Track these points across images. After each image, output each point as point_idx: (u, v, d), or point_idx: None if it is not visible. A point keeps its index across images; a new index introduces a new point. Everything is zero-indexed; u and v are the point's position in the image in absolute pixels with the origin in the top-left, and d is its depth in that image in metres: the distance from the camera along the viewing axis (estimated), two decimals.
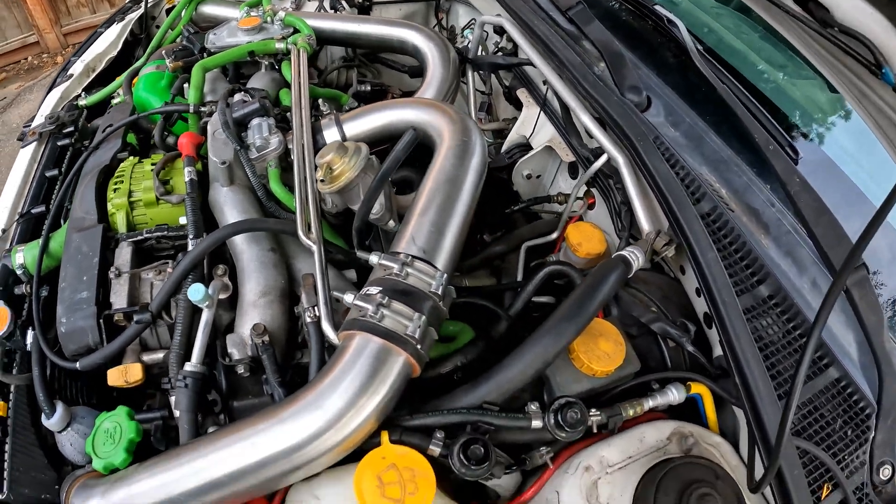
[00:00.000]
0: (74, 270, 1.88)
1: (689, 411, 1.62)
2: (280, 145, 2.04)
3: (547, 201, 2.29)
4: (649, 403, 1.55)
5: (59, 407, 1.71)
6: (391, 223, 1.87)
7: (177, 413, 1.62)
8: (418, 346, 1.39)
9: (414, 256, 1.53)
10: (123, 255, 1.92)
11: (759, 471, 1.33)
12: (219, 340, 1.73)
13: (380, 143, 2.07)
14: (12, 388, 1.86)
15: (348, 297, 1.48)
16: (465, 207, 1.69)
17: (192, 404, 1.58)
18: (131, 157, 2.21)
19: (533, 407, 1.47)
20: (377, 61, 3.23)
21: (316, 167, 1.84)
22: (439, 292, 1.50)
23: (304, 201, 1.80)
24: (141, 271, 1.90)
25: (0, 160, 6.37)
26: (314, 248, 1.67)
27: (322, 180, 1.78)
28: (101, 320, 1.78)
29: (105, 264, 1.89)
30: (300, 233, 1.71)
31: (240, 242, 1.86)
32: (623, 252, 1.65)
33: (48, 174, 2.51)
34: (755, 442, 1.38)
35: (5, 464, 1.71)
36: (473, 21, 3.01)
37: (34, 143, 2.66)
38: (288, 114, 2.21)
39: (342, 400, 1.32)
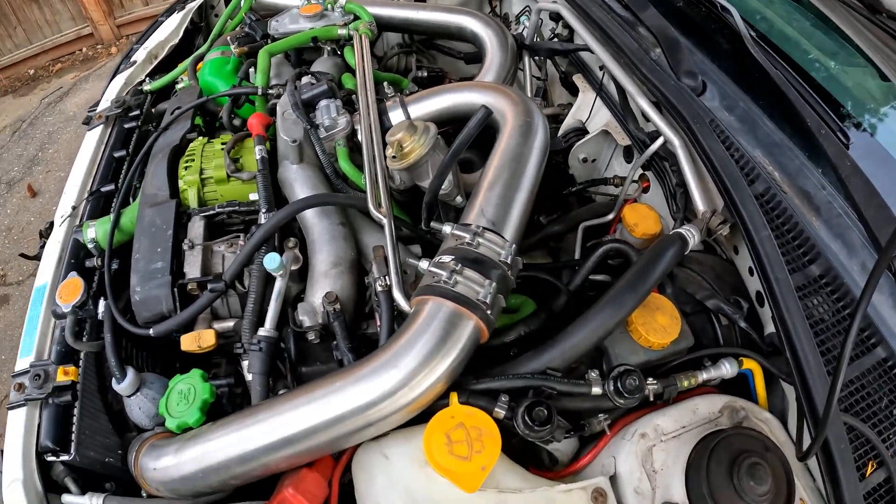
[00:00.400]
0: (148, 242, 1.95)
1: (738, 389, 1.66)
2: (347, 125, 2.10)
3: (603, 183, 2.33)
4: (703, 376, 1.59)
5: (130, 372, 1.78)
6: (459, 199, 1.93)
7: (248, 377, 1.70)
8: (488, 312, 1.45)
9: (485, 227, 1.58)
10: (196, 228, 1.99)
11: (806, 445, 1.37)
12: (290, 309, 1.80)
13: (442, 125, 2.11)
14: (82, 356, 1.93)
15: (423, 264, 1.54)
16: (530, 183, 1.75)
17: (266, 367, 1.66)
18: (200, 138, 2.28)
19: (593, 374, 1.52)
20: (433, 48, 3.27)
21: (385, 145, 1.90)
22: (508, 261, 1.55)
23: (373, 178, 1.86)
24: (213, 244, 1.97)
25: (59, 146, 6.56)
26: (385, 221, 1.73)
27: (394, 157, 1.84)
28: (176, 289, 1.84)
29: (178, 237, 1.96)
30: (371, 207, 1.78)
31: (310, 216, 1.93)
32: (680, 229, 1.70)
33: (116, 154, 2.59)
34: (804, 415, 1.41)
35: (73, 427, 1.78)
36: (528, 8, 3.06)
37: (101, 126, 2.75)
38: (353, 96, 2.27)
39: (416, 360, 1.37)
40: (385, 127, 2.07)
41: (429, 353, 1.38)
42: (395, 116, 2.12)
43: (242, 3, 3.16)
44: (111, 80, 3.13)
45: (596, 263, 1.85)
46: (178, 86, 2.88)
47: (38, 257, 2.40)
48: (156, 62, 3.21)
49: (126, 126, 2.74)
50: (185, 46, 3.36)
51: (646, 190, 2.21)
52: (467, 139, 1.69)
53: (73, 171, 2.59)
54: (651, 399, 1.54)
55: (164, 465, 1.54)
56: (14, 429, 1.80)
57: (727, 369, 1.61)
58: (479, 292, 1.45)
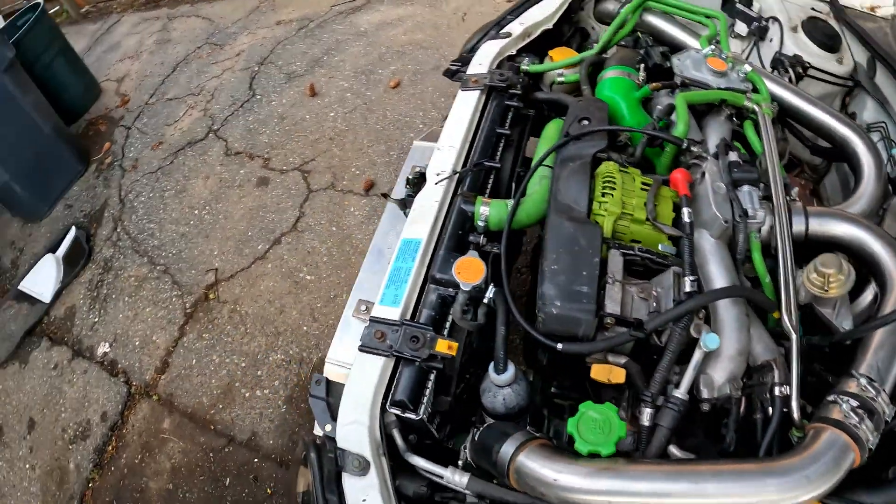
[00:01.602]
0: (570, 260, 2.06)
1: None
2: (764, 219, 2.21)
3: None
4: None
5: (511, 366, 1.98)
6: None
7: (645, 422, 1.93)
8: (867, 455, 1.80)
9: (882, 388, 1.89)
10: (616, 263, 2.13)
11: None
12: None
13: (818, 245, 2.23)
14: (447, 327, 2.14)
15: (845, 406, 1.84)
16: None
17: (675, 424, 1.90)
18: (611, 162, 2.40)
19: None
20: (785, 124, 3.17)
21: (794, 249, 2.11)
22: (890, 420, 1.88)
23: (787, 288, 2.04)
24: (627, 283, 2.10)
25: (345, 57, 6.79)
26: (793, 336, 1.94)
27: (823, 289, 2.02)
28: (596, 318, 1.99)
29: (602, 265, 2.08)
30: (784, 317, 1.99)
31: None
32: None
33: (499, 131, 2.77)
34: None
35: (426, 390, 2.01)
36: (882, 123, 3.11)
37: (477, 92, 2.88)
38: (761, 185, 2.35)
39: (815, 473, 1.69)
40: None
41: (824, 472, 1.71)
42: (795, 223, 2.25)
43: (629, 16, 3.26)
44: (479, 41, 3.26)
45: None
46: (557, 79, 3.05)
47: (403, 204, 2.67)
48: (527, 40, 3.29)
49: (506, 103, 2.89)
50: (555, 33, 3.43)
51: None
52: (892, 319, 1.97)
53: (447, 131, 2.73)
54: None
55: (569, 482, 1.73)
56: (367, 373, 2.02)
57: None
58: (870, 440, 1.80)
